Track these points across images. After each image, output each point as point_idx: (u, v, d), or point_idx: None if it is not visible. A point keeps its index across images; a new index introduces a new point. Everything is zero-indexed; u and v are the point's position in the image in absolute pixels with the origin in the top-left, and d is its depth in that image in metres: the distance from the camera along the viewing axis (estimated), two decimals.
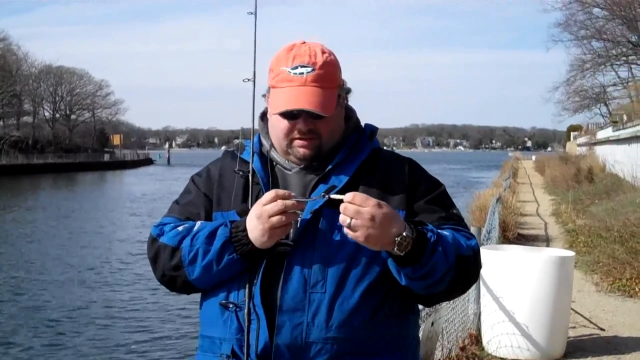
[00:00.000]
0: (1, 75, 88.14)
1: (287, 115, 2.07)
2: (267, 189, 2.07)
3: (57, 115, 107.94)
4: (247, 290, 2.00)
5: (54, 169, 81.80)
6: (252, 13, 2.17)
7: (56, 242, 23.25)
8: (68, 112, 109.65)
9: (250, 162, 2.14)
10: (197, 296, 2.19)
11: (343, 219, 1.89)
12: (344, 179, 2.07)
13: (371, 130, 2.22)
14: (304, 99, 2.04)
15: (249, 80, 2.15)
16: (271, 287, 1.99)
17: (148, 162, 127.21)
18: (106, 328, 12.62)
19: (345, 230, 1.89)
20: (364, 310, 1.98)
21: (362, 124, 2.25)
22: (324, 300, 1.97)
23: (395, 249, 1.89)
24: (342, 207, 1.89)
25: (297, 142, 2.10)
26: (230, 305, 2.02)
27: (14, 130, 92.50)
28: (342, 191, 1.99)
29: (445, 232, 2.00)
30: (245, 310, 1.98)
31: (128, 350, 11.41)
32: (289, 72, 2.08)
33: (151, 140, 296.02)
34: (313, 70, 2.08)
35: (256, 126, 2.19)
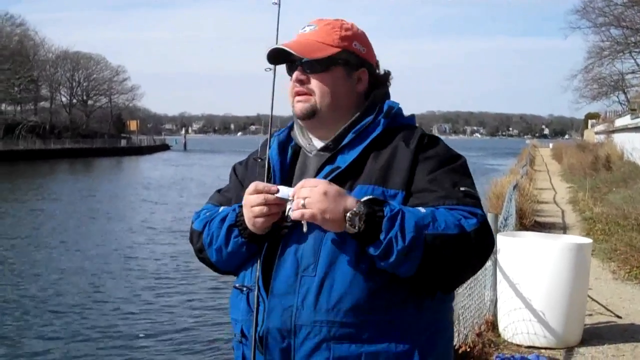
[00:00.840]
0: (19, 61, 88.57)
1: (289, 72, 2.15)
2: (279, 174, 2.12)
3: (74, 101, 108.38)
4: (257, 273, 2.05)
5: (71, 154, 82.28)
6: (276, 3, 2.20)
7: (67, 229, 23.37)
8: (85, 97, 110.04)
9: (268, 147, 2.18)
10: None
11: (297, 202, 1.89)
12: (349, 159, 2.06)
13: (389, 106, 2.14)
14: (288, 43, 2.11)
15: (270, 69, 2.17)
16: (271, 271, 2.03)
17: (164, 147, 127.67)
18: (126, 318, 12.66)
19: (299, 212, 1.88)
20: (355, 294, 1.93)
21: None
22: (314, 283, 1.95)
23: (348, 225, 1.86)
24: (294, 190, 1.92)
25: (295, 99, 2.14)
26: (244, 289, 2.07)
27: (32, 115, 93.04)
28: (346, 172, 2.03)
29: (419, 210, 1.90)
30: (255, 293, 2.03)
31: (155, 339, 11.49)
32: (298, 32, 2.18)
33: (167, 126, 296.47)
34: (315, 27, 2.15)
35: (275, 113, 2.18)
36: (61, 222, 25.07)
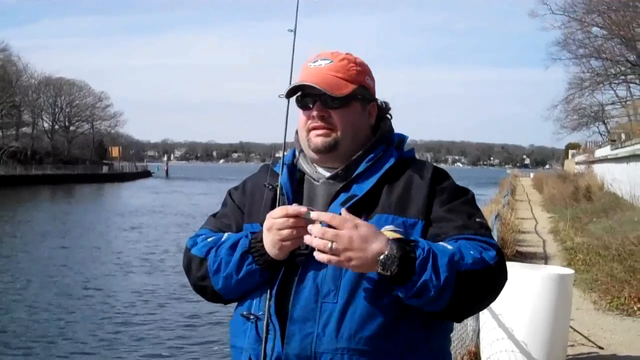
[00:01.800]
0: (1, 86, 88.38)
1: (302, 105, 2.15)
2: (291, 201, 2.11)
3: (56, 127, 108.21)
4: (266, 301, 2.02)
5: (52, 181, 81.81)
6: (292, 30, 2.23)
7: (44, 257, 23.00)
8: (67, 123, 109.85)
9: (280, 173, 2.17)
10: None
11: (322, 243, 1.85)
12: (365, 188, 2.08)
13: (400, 138, 2.21)
14: (310, 78, 2.11)
15: (282, 96, 2.18)
16: (287, 298, 2.01)
17: (146, 174, 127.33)
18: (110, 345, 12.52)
19: (325, 258, 1.85)
20: (376, 322, 1.94)
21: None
22: (335, 310, 1.95)
23: (379, 269, 1.84)
24: (321, 230, 1.86)
25: (312, 133, 2.14)
26: (251, 317, 2.06)
27: (13, 140, 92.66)
28: (362, 200, 2.04)
29: (446, 247, 1.91)
30: (264, 322, 2.01)
31: None
32: (309, 65, 2.18)
33: (150, 153, 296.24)
34: (331, 62, 2.16)
35: (289, 139, 2.21)
36: (35, 248, 24.75)
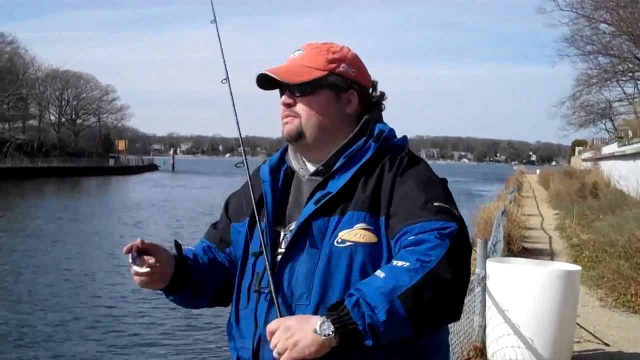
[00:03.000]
0: (8, 79, 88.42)
1: (279, 93, 2.17)
2: (271, 198, 2.13)
3: (63, 119, 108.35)
4: (254, 303, 2.07)
5: (59, 173, 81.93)
6: (213, 21, 2.32)
7: (48, 250, 23.17)
8: (74, 116, 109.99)
9: (247, 171, 2.21)
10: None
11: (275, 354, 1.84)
12: (339, 185, 2.04)
13: (379, 130, 2.12)
14: (276, 69, 2.13)
15: (225, 81, 2.26)
16: None
17: (152, 168, 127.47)
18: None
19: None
20: None
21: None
22: (307, 312, 1.94)
23: (324, 339, 1.76)
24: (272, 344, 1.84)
25: (283, 122, 2.16)
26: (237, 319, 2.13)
27: (20, 133, 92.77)
28: (337, 197, 2.02)
29: (379, 277, 1.79)
30: (253, 322, 2.05)
31: None
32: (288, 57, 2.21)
33: (156, 147, 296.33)
34: (303, 52, 2.17)
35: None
36: (40, 242, 24.78)
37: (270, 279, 1.98)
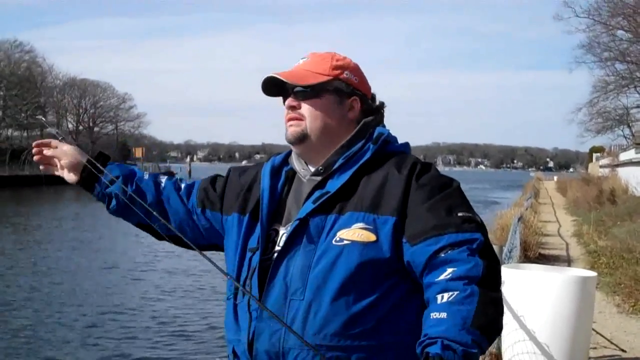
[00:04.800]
0: (26, 87, 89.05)
1: (284, 102, 2.22)
2: (268, 197, 2.19)
3: (80, 127, 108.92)
4: (247, 297, 2.12)
5: None
6: (304, 58, 2.32)
7: (65, 256, 23.21)
8: (91, 124, 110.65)
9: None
10: None
11: None
12: (337, 184, 2.09)
13: (379, 133, 2.17)
14: (282, 73, 2.19)
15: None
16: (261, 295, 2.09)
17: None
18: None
19: None
20: (339, 320, 1.96)
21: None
22: (301, 307, 1.99)
23: None
24: None
25: (287, 124, 2.21)
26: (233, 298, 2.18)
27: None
28: (335, 197, 2.07)
29: (440, 319, 1.80)
30: (247, 316, 2.11)
31: None
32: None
33: (173, 154, 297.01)
34: (307, 59, 2.24)
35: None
36: (57, 249, 24.76)
37: (256, 278, 2.08)
